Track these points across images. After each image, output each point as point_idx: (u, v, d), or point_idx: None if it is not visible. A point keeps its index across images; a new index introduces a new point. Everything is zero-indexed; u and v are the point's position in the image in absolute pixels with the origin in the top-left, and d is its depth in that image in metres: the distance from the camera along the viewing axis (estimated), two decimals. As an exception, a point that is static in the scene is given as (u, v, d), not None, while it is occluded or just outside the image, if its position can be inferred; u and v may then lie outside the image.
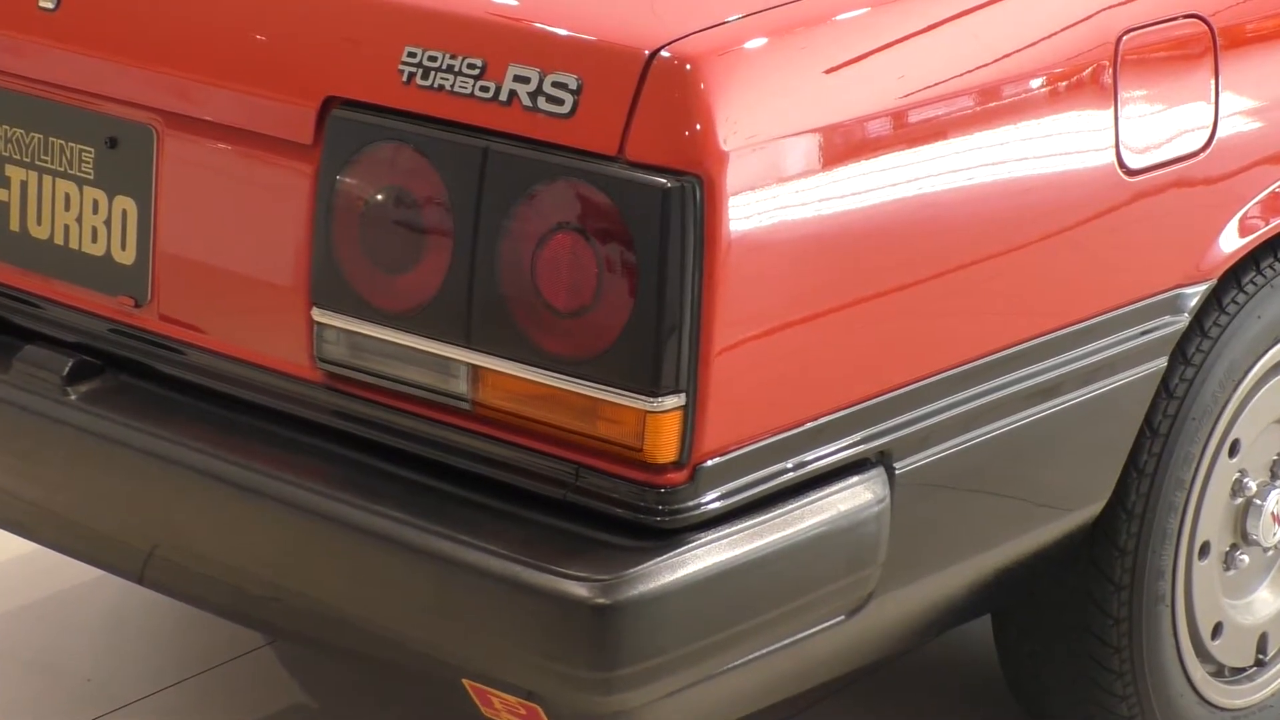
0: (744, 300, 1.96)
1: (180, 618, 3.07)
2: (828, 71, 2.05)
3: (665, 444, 1.94)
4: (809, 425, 2.04)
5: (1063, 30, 2.27)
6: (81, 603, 3.13)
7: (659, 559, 1.92)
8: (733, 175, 1.93)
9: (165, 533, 2.28)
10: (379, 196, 2.07)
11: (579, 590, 1.90)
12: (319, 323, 2.12)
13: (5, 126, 2.34)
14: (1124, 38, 2.29)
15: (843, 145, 2.04)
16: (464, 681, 2.07)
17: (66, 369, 2.26)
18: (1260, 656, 2.72)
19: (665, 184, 1.89)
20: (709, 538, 1.96)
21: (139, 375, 2.28)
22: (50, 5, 2.28)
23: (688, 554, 1.94)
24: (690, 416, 1.94)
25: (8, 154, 2.34)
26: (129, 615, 3.10)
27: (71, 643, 3.03)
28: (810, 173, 2.01)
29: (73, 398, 2.25)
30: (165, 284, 2.25)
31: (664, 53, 1.93)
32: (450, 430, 2.06)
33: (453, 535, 1.99)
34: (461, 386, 2.04)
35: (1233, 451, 2.57)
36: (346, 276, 2.09)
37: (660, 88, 1.92)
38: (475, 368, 2.02)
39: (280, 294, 2.17)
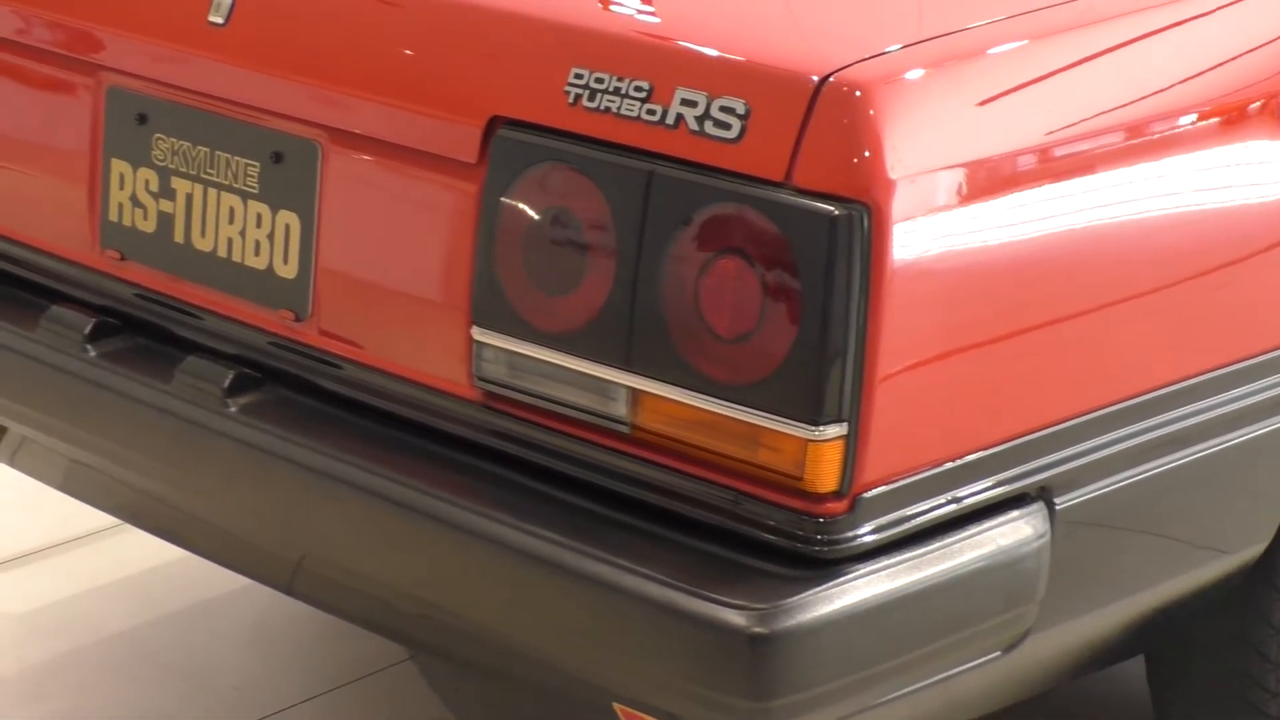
0: (907, 330, 1.94)
1: (326, 629, 3.09)
2: (986, 102, 2.03)
3: (826, 473, 1.92)
4: (969, 458, 2.02)
5: (1236, 59, 2.24)
6: (230, 611, 3.16)
7: (817, 589, 1.90)
8: (898, 204, 1.91)
9: (316, 545, 2.29)
10: (542, 217, 2.07)
11: (735, 618, 1.88)
12: (478, 341, 2.12)
13: (173, 140, 2.36)
14: (1300, 69, 2.26)
15: (1005, 175, 2.02)
16: (615, 705, 2.06)
17: (227, 381, 2.28)
18: None
19: (833, 211, 1.88)
20: (867, 569, 1.94)
21: (297, 389, 2.30)
22: (220, 20, 2.30)
23: (846, 585, 1.92)
24: (851, 446, 1.92)
25: (174, 166, 2.36)
26: (276, 625, 3.12)
27: (219, 651, 3.06)
28: (971, 202, 1.99)
29: (232, 410, 2.27)
30: (325, 299, 2.27)
31: (833, 79, 1.92)
32: (607, 453, 2.05)
33: (608, 559, 1.98)
34: (620, 409, 2.03)
35: (1399, 494, 2.52)
36: (507, 296, 2.09)
37: (830, 114, 1.90)
38: (634, 391, 2.02)
39: (440, 311, 2.17)
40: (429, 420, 2.20)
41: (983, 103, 2.03)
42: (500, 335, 2.10)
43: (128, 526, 3.00)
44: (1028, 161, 2.04)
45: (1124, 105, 2.13)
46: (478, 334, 2.12)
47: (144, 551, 3.25)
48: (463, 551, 2.10)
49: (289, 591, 2.48)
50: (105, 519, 3.12)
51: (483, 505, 2.09)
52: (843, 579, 1.92)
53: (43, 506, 3.29)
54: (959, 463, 2.01)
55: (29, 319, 2.45)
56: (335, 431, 2.23)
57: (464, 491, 2.12)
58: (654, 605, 1.93)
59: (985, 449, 2.03)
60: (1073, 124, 2.08)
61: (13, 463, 2.73)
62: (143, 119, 2.39)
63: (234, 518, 2.39)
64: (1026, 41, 2.10)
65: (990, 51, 2.07)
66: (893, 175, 1.90)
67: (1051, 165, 2.06)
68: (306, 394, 2.29)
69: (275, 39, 2.28)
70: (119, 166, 2.41)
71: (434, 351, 2.19)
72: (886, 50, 1.99)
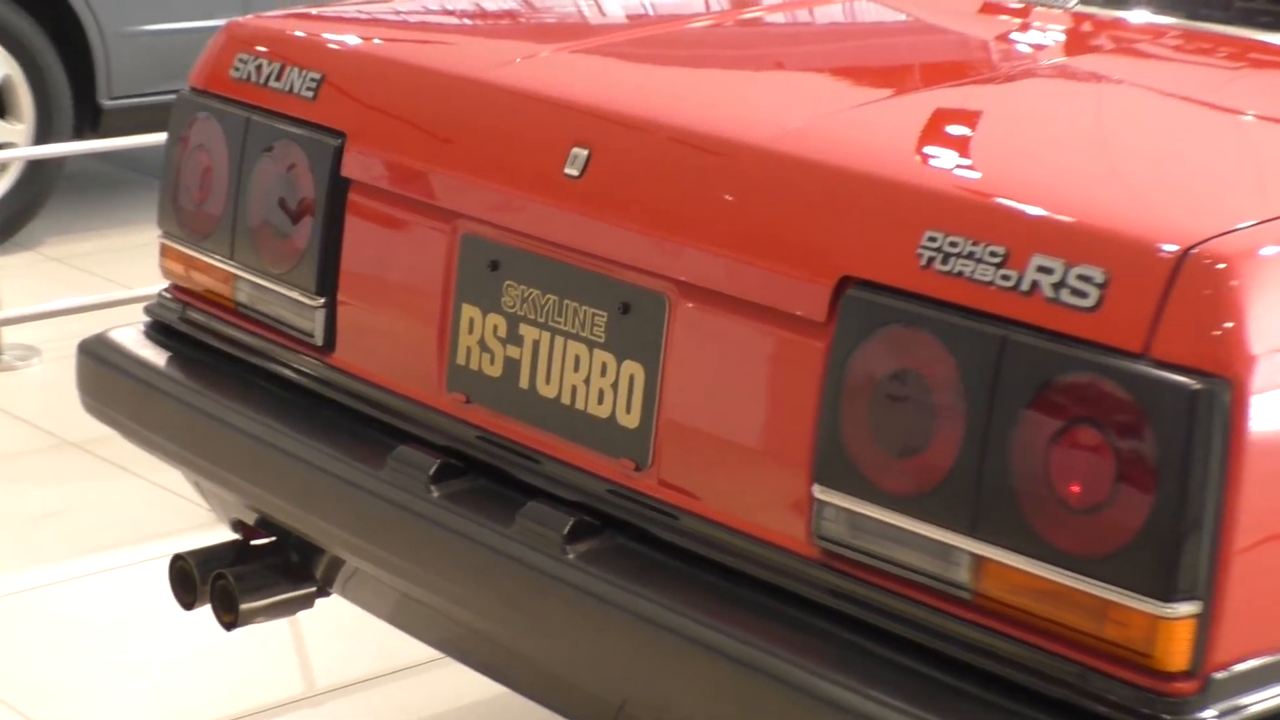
0: (1264, 507, 1.90)
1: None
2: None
3: (1177, 652, 1.88)
4: (1330, 642, 1.96)
5: None
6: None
7: (1164, 770, 1.86)
8: (1258, 378, 1.88)
9: (643, 692, 2.30)
10: (890, 378, 2.07)
11: (1080, 798, 1.85)
12: (819, 500, 2.12)
13: (523, 287, 2.41)
14: None
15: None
16: None
17: (567, 528, 2.31)
18: None
19: (1194, 385, 1.85)
20: (1217, 753, 1.89)
21: (635, 538, 2.31)
22: (575, 173, 2.35)
23: (1194, 767, 1.87)
24: (1204, 625, 1.88)
25: (523, 313, 2.41)
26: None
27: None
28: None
29: (571, 556, 2.29)
30: (667, 449, 2.29)
31: (1196, 251, 1.89)
32: (947, 618, 2.03)
33: (946, 726, 1.96)
34: (962, 575, 2.02)
35: None
36: (851, 455, 2.09)
37: (1192, 286, 1.88)
38: (978, 557, 2.00)
39: (781, 467, 2.18)
40: (765, 575, 2.20)
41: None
42: (842, 494, 2.10)
43: (449, 661, 3.03)
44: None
45: None
46: (819, 492, 2.12)
47: (464, 686, 3.29)
48: (794, 710, 2.09)
49: (609, 735, 2.49)
50: (428, 652, 3.17)
51: (817, 664, 2.08)
52: (1191, 761, 1.87)
53: (367, 637, 3.36)
54: (1316, 647, 1.95)
55: (376, 457, 2.51)
56: (671, 582, 2.24)
57: (798, 649, 2.11)
58: (995, 778, 1.90)
59: (1344, 633, 1.97)
60: None
61: (344, 593, 2.80)
62: (495, 266, 2.44)
63: (562, 660, 2.41)
64: None
65: None
66: (1254, 350, 1.87)
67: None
68: (644, 543, 2.30)
69: (628, 193, 2.32)
70: (469, 311, 2.47)
71: (773, 507, 2.19)
72: (1240, 225, 1.97)
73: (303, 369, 2.69)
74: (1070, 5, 2.82)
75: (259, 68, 2.74)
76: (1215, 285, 1.88)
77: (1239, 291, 1.88)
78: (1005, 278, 1.98)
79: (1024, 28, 2.83)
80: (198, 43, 2.99)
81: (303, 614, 2.89)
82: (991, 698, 1.98)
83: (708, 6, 3.15)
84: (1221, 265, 1.89)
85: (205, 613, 2.80)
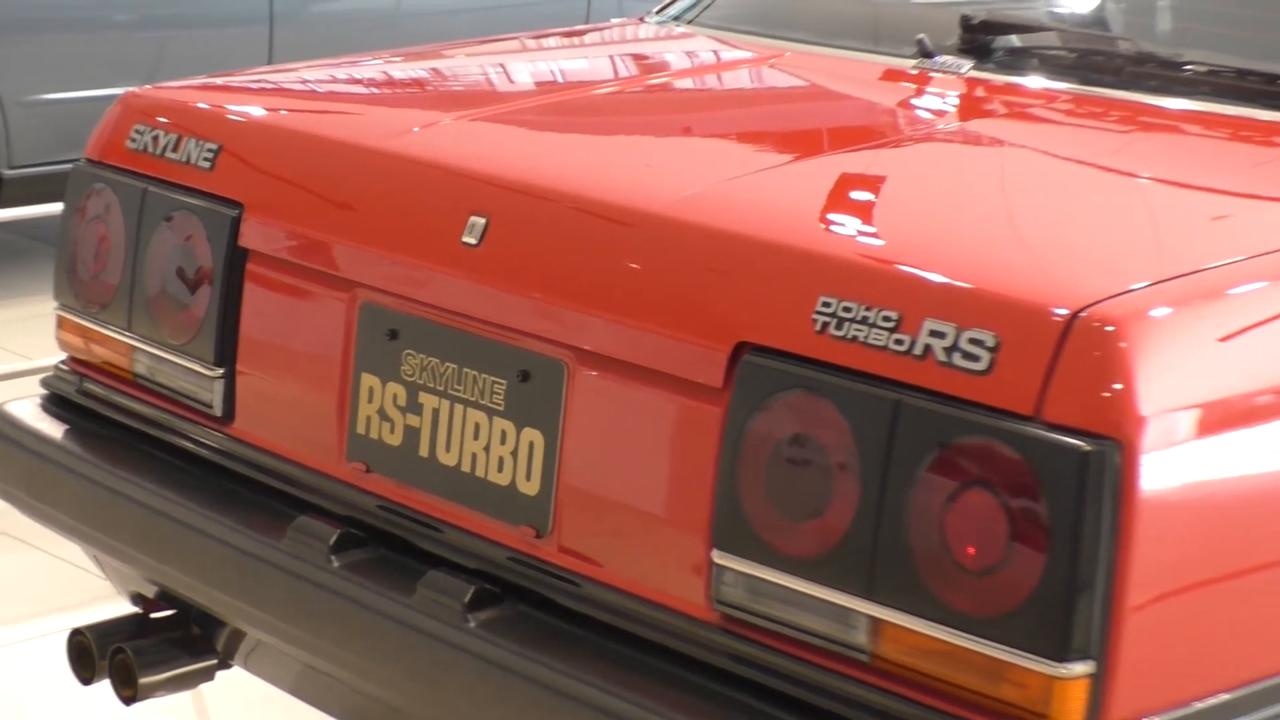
0: (1156, 567, 1.92)
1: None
2: (1228, 340, 2.02)
3: (1072, 712, 1.89)
4: (1222, 698, 1.98)
5: None
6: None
7: (1061, 831, 1.87)
8: (1148, 439, 1.90)
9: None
10: (786, 443, 2.08)
11: None
12: (718, 564, 2.13)
13: (422, 355, 2.41)
14: None
15: (1247, 411, 2.00)
16: None
17: (467, 596, 2.30)
18: None
19: (1084, 447, 1.87)
20: (1114, 812, 1.90)
21: (536, 605, 2.31)
22: (473, 241, 2.36)
23: (1091, 828, 1.88)
24: (1099, 684, 1.90)
25: (423, 382, 2.41)
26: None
27: None
28: (1216, 437, 1.97)
29: (472, 625, 2.29)
30: (567, 516, 2.29)
31: (1085, 314, 1.92)
32: (846, 681, 2.04)
33: (844, 791, 1.96)
34: (860, 638, 2.03)
35: None
36: (749, 520, 2.10)
37: (1082, 349, 1.90)
38: (875, 620, 2.01)
39: (680, 533, 2.19)
40: (667, 641, 2.20)
41: (1224, 339, 2.02)
42: (741, 559, 2.11)
43: (355, 732, 3.01)
44: (1270, 398, 2.02)
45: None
46: (718, 557, 2.13)
47: (370, 757, 3.26)
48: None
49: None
50: (334, 723, 3.15)
51: (719, 730, 2.09)
52: (1088, 821, 1.89)
53: (272, 708, 3.33)
54: (1211, 702, 1.97)
55: (276, 528, 2.50)
56: (573, 649, 2.24)
57: (700, 715, 2.11)
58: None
59: (1239, 688, 1.99)
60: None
61: (246, 665, 2.78)
62: (394, 334, 2.44)
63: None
64: (1266, 283, 2.10)
65: (1231, 291, 2.07)
66: (1143, 411, 1.90)
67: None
68: (545, 610, 2.30)
69: (526, 261, 2.33)
70: (369, 380, 2.47)
71: (673, 572, 2.19)
72: (1133, 287, 2.00)
73: (202, 440, 2.67)
74: (964, 71, 2.85)
75: (155, 138, 2.74)
76: (1104, 347, 1.90)
77: (1128, 353, 1.91)
78: (899, 342, 2.00)
79: (919, 94, 2.86)
80: (100, 112, 2.97)
81: (206, 686, 2.86)
82: (891, 760, 1.99)
83: (615, 73, 3.17)
84: (1110, 328, 1.91)
85: (105, 687, 2.78)
